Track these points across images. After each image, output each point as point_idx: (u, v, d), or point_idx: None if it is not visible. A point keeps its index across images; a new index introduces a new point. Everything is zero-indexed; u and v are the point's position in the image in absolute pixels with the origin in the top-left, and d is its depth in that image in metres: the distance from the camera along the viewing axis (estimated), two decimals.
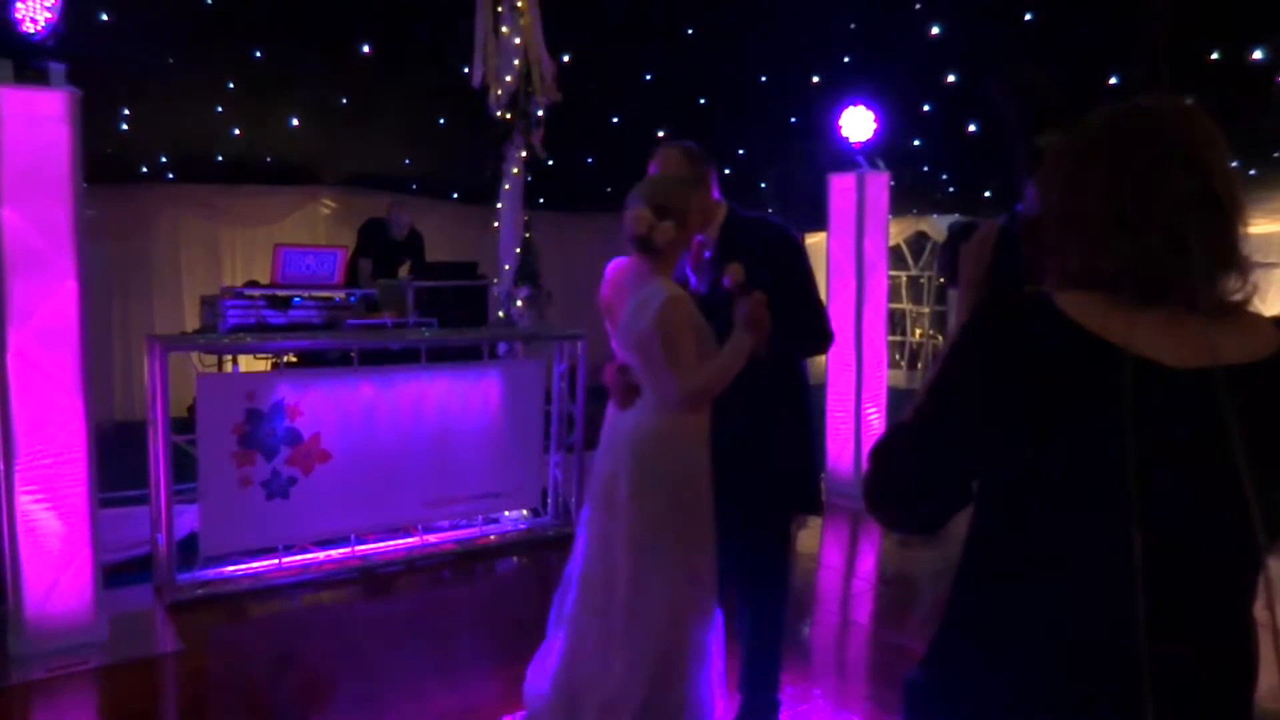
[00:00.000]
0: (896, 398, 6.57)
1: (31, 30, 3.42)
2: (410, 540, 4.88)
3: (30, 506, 3.46)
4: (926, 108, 7.85)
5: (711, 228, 2.67)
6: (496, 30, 5.35)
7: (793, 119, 8.08)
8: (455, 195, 9.50)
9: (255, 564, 4.44)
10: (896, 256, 11.69)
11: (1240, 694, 1.05)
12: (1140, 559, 0.93)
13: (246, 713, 3.37)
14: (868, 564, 5.27)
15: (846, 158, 6.26)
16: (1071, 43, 6.42)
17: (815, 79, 7.73)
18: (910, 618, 4.36)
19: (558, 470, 5.38)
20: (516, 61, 5.37)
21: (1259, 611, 1.00)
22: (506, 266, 5.63)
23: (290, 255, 5.58)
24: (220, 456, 4.25)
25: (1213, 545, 1.02)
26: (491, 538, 5.15)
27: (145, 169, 8.10)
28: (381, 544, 4.83)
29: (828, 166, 6.44)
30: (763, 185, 9.14)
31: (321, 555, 4.62)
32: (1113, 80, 6.40)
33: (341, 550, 4.68)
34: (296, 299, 5.28)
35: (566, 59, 5.95)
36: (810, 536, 5.31)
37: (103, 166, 6.63)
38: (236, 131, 7.69)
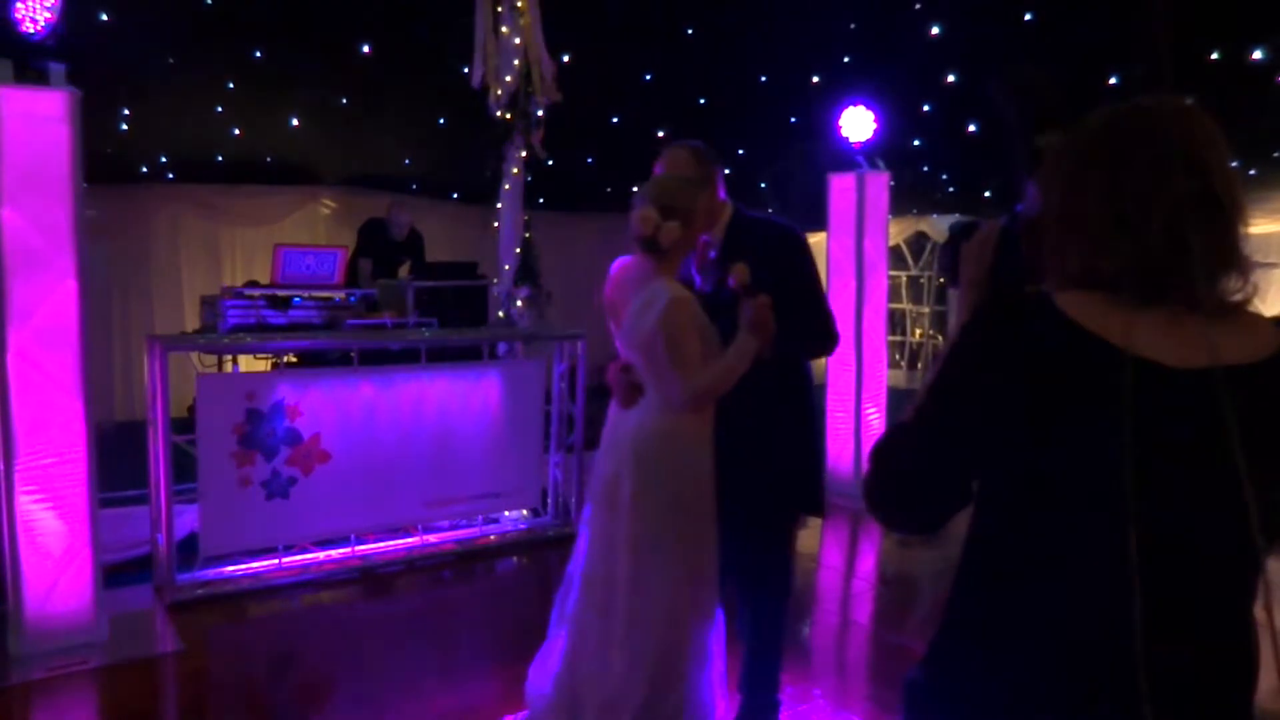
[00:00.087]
0: (896, 398, 6.57)
1: (31, 30, 3.42)
2: (410, 540, 4.88)
3: (30, 506, 3.46)
4: (926, 108, 7.85)
5: (717, 228, 2.65)
6: (496, 30, 5.35)
7: (793, 119, 8.08)
8: (455, 195, 9.50)
9: (255, 564, 4.44)
10: (896, 256, 11.69)
11: (1240, 694, 1.05)
12: (1139, 559, 0.93)
13: (246, 713, 3.37)
14: (868, 564, 5.27)
15: (846, 158, 6.26)
16: (1071, 43, 6.42)
17: (815, 79, 7.73)
18: (910, 618, 4.36)
19: (558, 470, 5.38)
20: (516, 61, 5.37)
21: (1258, 612, 1.00)
22: (506, 266, 5.63)
23: (290, 255, 5.57)
24: (220, 456, 4.25)
25: (1212, 545, 1.01)
26: (491, 538, 5.15)
27: (145, 169, 8.10)
28: (381, 544, 4.83)
29: (828, 166, 6.44)
30: (763, 185, 9.14)
31: (321, 555, 4.62)
32: (1113, 80, 6.40)
33: (341, 550, 4.68)
34: (296, 299, 5.28)
35: (566, 59, 5.95)
36: (810, 536, 5.31)
37: (103, 166, 6.63)
38: (236, 131, 7.69)
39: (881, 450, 1.18)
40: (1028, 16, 6.47)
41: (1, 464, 3.42)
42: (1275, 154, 7.68)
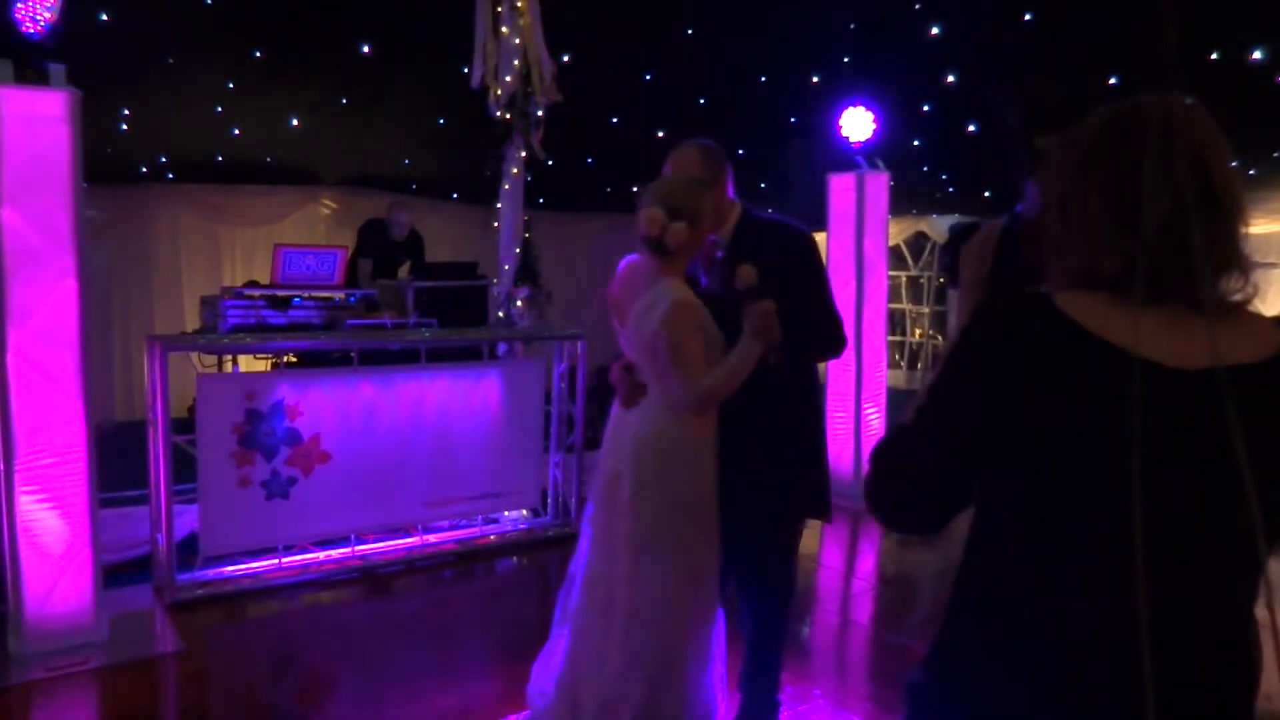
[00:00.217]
0: (896, 398, 6.57)
1: (31, 30, 3.42)
2: (410, 540, 4.88)
3: (30, 506, 3.46)
4: (926, 108, 7.85)
5: (726, 227, 2.63)
6: (496, 30, 5.35)
7: (793, 119, 8.08)
8: (455, 195, 9.50)
9: (255, 564, 4.44)
10: (896, 256, 11.71)
11: (1241, 696, 1.05)
12: (1141, 560, 0.93)
13: (246, 713, 3.37)
14: (868, 564, 5.27)
15: (846, 158, 6.26)
16: (1071, 43, 6.42)
17: (815, 79, 7.72)
18: (910, 618, 4.36)
19: (558, 470, 5.38)
20: (516, 62, 5.37)
21: (1259, 612, 1.00)
22: (506, 266, 5.63)
23: (290, 255, 5.57)
24: (220, 456, 4.25)
25: (1213, 546, 1.01)
26: (491, 538, 5.15)
27: (145, 169, 8.10)
28: (381, 544, 4.83)
29: (827, 166, 6.44)
30: (762, 185, 9.15)
31: (321, 555, 4.62)
32: (1113, 80, 6.40)
33: (341, 550, 4.68)
34: (296, 299, 5.28)
35: (566, 59, 5.95)
36: (810, 536, 5.31)
37: (103, 166, 6.63)
38: (236, 131, 7.69)
39: (882, 452, 1.18)
40: (1027, 16, 6.47)
41: (1, 464, 3.42)
42: (1275, 154, 7.69)
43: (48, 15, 3.43)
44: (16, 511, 3.44)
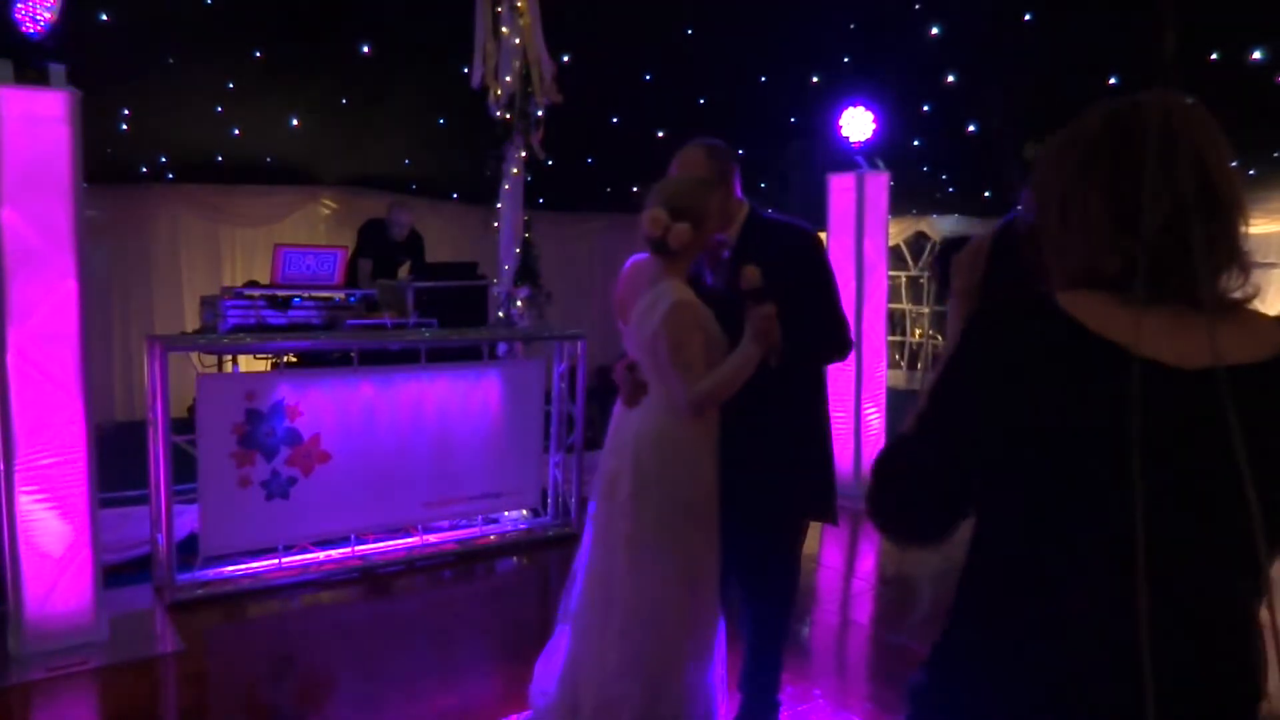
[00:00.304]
0: (896, 398, 6.57)
1: (31, 30, 3.42)
2: (410, 540, 4.88)
3: (30, 506, 3.46)
4: (926, 108, 7.85)
5: (732, 227, 2.60)
6: (496, 31, 5.35)
7: (793, 119, 8.08)
8: (455, 196, 9.49)
9: (255, 564, 4.44)
10: (896, 256, 11.70)
11: (1242, 697, 1.05)
12: (1142, 560, 0.93)
13: (246, 713, 3.37)
14: (868, 564, 5.27)
15: (846, 158, 6.26)
16: (1071, 43, 6.42)
17: (815, 79, 7.73)
18: (910, 618, 4.36)
19: (558, 470, 5.38)
20: (516, 62, 5.37)
21: (1260, 612, 1.00)
22: (506, 266, 5.63)
23: (290, 255, 5.57)
24: (220, 456, 4.25)
25: (1213, 546, 1.01)
26: (491, 538, 5.15)
27: (145, 169, 8.10)
28: (381, 544, 4.83)
29: (828, 166, 6.44)
30: (762, 185, 9.15)
31: (321, 555, 4.62)
32: (1113, 80, 6.40)
33: (341, 550, 4.68)
34: (296, 299, 5.28)
35: (566, 59, 5.95)
36: (810, 536, 5.26)
37: (103, 166, 6.63)
38: (236, 131, 7.69)
39: (884, 461, 1.17)
40: (1027, 16, 6.47)
41: (1, 464, 3.42)
42: (1275, 154, 7.69)
43: (48, 15, 3.43)
44: (16, 512, 3.44)
